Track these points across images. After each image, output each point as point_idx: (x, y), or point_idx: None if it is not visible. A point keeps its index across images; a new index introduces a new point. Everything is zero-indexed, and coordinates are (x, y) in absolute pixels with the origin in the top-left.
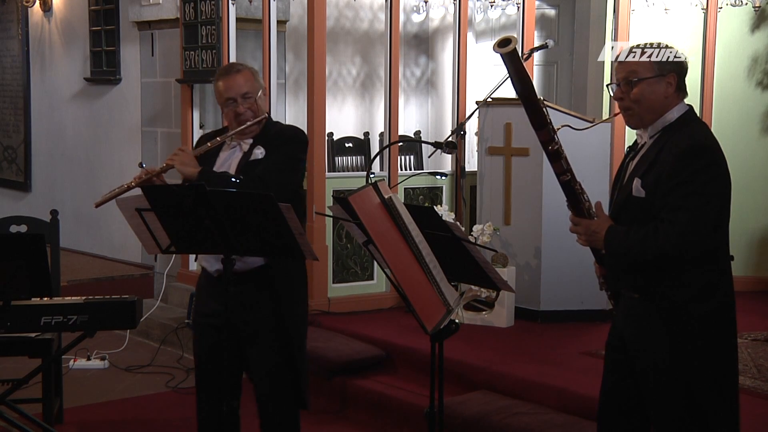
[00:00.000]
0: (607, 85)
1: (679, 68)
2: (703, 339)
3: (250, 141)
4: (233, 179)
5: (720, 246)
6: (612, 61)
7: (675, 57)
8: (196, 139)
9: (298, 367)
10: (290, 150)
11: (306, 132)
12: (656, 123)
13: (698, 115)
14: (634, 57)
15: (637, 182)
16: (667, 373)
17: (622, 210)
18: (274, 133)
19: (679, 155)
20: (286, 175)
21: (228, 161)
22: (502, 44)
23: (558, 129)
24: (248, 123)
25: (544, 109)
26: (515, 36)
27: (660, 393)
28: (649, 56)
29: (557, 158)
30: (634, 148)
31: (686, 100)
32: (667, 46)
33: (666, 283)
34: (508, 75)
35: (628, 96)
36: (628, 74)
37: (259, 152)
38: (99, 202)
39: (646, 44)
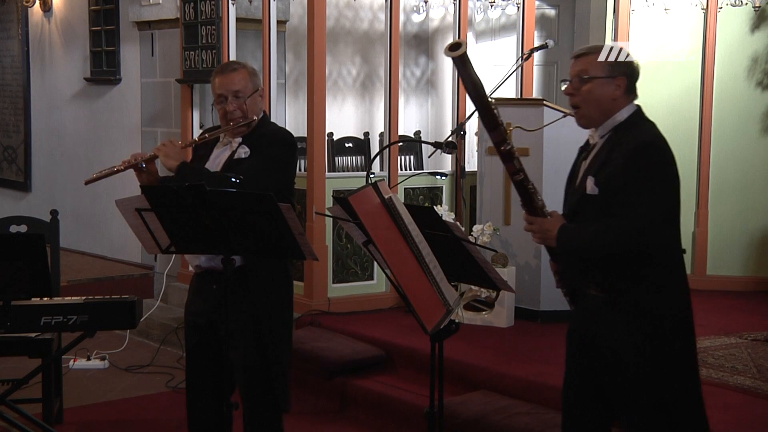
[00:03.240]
0: (561, 81)
1: (630, 70)
2: (664, 332)
3: (239, 140)
4: (233, 179)
5: (673, 240)
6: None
7: (626, 58)
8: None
9: (273, 369)
10: (273, 152)
11: (306, 133)
12: (606, 123)
13: (698, 115)
14: (587, 55)
15: (590, 180)
16: (631, 367)
17: (577, 209)
18: (260, 134)
19: (630, 153)
20: (264, 176)
21: (218, 158)
22: (453, 48)
23: (511, 130)
24: (237, 123)
25: (495, 111)
26: (465, 41)
27: (625, 388)
28: (602, 56)
29: (510, 158)
30: (586, 148)
31: (687, 100)
32: (620, 48)
33: (625, 279)
34: (460, 77)
35: (579, 93)
36: (580, 71)
37: (243, 152)
38: (88, 180)
39: (600, 45)
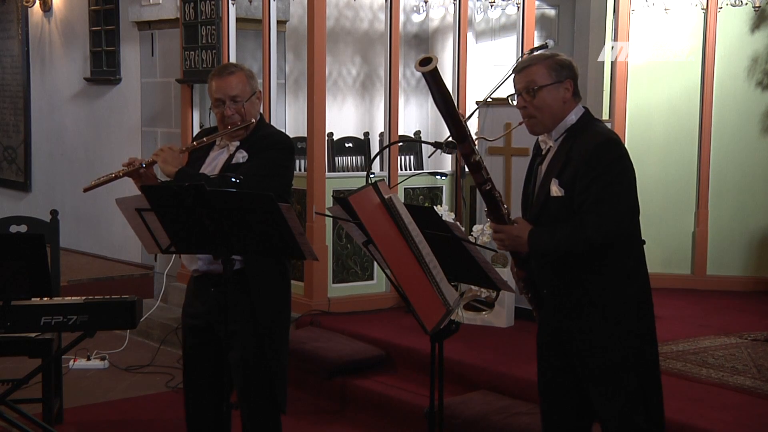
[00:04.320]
0: (508, 96)
1: (573, 73)
2: (635, 317)
3: (237, 143)
4: (233, 179)
5: (636, 230)
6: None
7: (567, 62)
8: None
9: (272, 370)
10: (271, 156)
11: (306, 133)
12: (558, 126)
13: (698, 115)
14: (530, 66)
15: (554, 182)
16: (614, 356)
17: (543, 212)
18: (258, 138)
19: (591, 151)
20: (262, 180)
21: (215, 161)
22: (424, 63)
23: (476, 140)
24: (234, 127)
25: (464, 123)
26: (436, 56)
27: (608, 378)
28: (544, 65)
29: (478, 169)
30: (539, 153)
31: (687, 100)
32: (557, 54)
33: (594, 273)
34: (430, 92)
35: (532, 104)
36: (529, 84)
37: (240, 156)
38: (87, 187)
39: (539, 55)
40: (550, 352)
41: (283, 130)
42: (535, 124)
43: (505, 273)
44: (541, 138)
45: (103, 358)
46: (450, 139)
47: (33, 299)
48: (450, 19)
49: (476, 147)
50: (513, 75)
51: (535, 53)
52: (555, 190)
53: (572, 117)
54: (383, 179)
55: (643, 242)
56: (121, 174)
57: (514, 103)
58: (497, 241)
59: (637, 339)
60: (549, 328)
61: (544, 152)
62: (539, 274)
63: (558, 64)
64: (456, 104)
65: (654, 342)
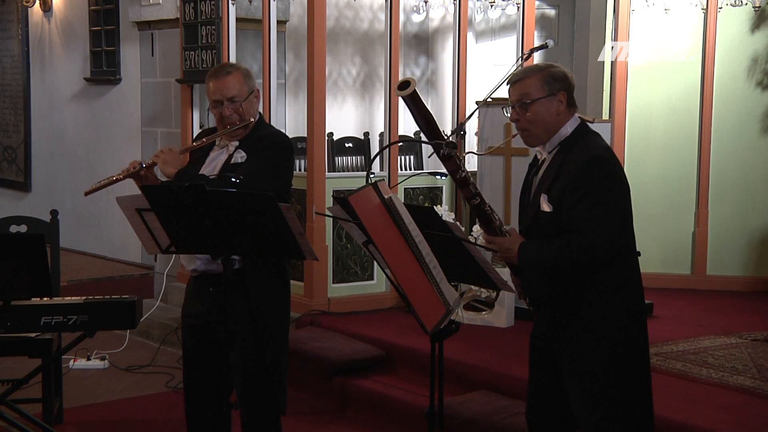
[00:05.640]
0: (502, 108)
1: (567, 85)
2: (624, 331)
3: (236, 143)
4: (233, 179)
5: (628, 244)
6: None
7: (561, 74)
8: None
9: (271, 370)
10: (270, 156)
11: (306, 133)
12: (553, 139)
13: (698, 115)
14: (524, 79)
15: (544, 198)
16: (594, 366)
17: (533, 225)
18: (257, 138)
19: (579, 168)
20: (261, 180)
21: (214, 162)
22: (402, 87)
23: (464, 156)
24: (233, 127)
25: (448, 142)
26: (414, 78)
27: (588, 385)
28: (538, 77)
29: (465, 185)
30: (536, 164)
31: (687, 100)
32: (551, 66)
33: (586, 285)
34: (411, 114)
35: (525, 118)
36: (522, 96)
37: (239, 156)
38: (88, 191)
39: (533, 66)
40: (542, 355)
41: (283, 130)
42: (529, 137)
43: (505, 273)
44: (536, 149)
45: (103, 358)
46: (451, 138)
47: (33, 299)
48: (450, 19)
49: (463, 164)
50: (508, 87)
51: (529, 65)
52: (544, 205)
53: (567, 129)
54: (383, 179)
55: (638, 254)
56: (121, 177)
57: (509, 114)
58: (489, 251)
59: (623, 350)
60: (540, 335)
61: (540, 163)
62: (531, 283)
63: (551, 77)
64: (456, 106)
65: (644, 352)
